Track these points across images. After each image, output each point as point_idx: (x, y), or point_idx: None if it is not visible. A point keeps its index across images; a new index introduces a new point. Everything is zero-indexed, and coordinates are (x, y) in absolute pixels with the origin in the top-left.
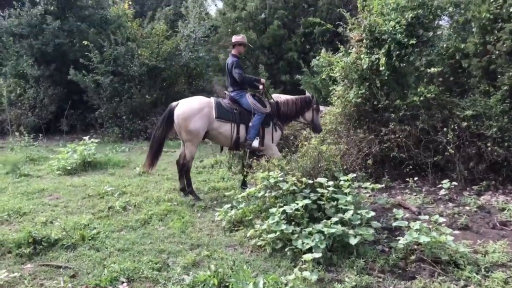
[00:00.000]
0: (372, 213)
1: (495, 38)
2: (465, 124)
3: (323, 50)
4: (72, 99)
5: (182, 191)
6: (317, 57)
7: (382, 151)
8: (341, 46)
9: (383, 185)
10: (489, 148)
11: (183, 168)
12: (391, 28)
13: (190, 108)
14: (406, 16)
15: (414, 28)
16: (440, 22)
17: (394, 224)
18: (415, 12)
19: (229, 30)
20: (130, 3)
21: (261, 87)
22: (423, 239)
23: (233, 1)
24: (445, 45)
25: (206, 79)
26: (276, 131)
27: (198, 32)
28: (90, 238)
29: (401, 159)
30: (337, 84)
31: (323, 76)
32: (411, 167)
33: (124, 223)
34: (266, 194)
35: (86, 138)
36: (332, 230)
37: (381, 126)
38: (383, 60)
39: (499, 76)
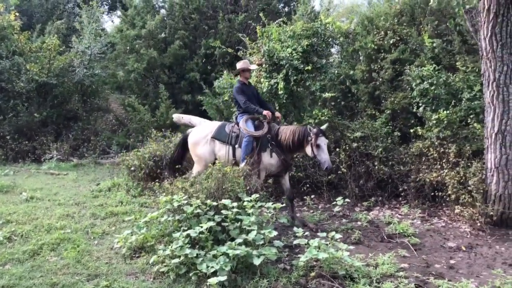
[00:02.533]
0: (275, 233)
1: (379, 66)
2: (355, 144)
3: (225, 72)
4: None
5: None
6: (219, 79)
7: None
8: None
9: (283, 204)
10: (376, 167)
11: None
12: (288, 55)
13: (198, 135)
14: (302, 44)
15: (309, 55)
16: (332, 50)
17: (295, 242)
18: (310, 40)
19: (128, 47)
20: (17, 14)
21: (264, 112)
22: (322, 255)
23: (131, 18)
24: (336, 72)
25: (102, 96)
26: (271, 157)
27: (93, 48)
28: None
29: (299, 178)
30: None
31: (225, 98)
32: (308, 185)
33: (9, 256)
34: (170, 218)
35: None
36: (237, 252)
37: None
38: (281, 84)
39: (383, 101)
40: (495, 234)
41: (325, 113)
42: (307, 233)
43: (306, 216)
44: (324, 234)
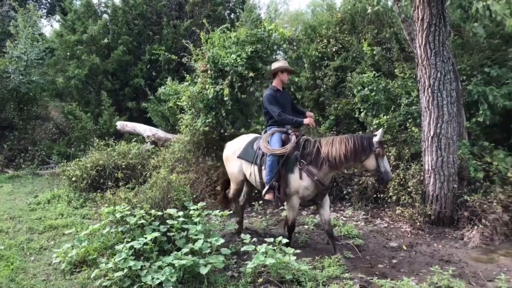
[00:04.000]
0: (222, 240)
1: (323, 73)
2: None
3: (169, 79)
4: None
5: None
6: (164, 86)
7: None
8: (188, 75)
9: (231, 211)
10: None
11: (229, 201)
12: (233, 61)
13: (229, 149)
14: (246, 50)
15: (254, 61)
16: (278, 57)
17: (243, 249)
18: (254, 47)
19: (68, 53)
20: None
21: (306, 121)
22: (269, 261)
23: (72, 23)
24: None
25: (40, 104)
26: (301, 179)
27: (30, 54)
28: None
29: None
30: (185, 112)
31: (171, 105)
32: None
33: None
34: (112, 230)
35: None
36: (183, 262)
37: None
38: (226, 90)
39: (327, 107)
40: (433, 232)
41: None
42: (254, 239)
43: (254, 222)
44: (271, 239)
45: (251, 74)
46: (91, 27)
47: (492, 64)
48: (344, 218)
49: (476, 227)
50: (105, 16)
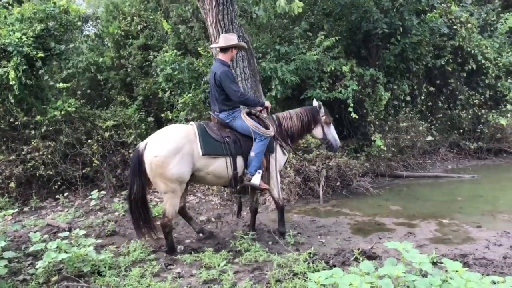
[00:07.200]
0: (3, 243)
1: (128, 52)
2: (107, 134)
3: None
4: None
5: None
6: None
7: (26, 171)
8: None
9: (16, 210)
10: (131, 155)
11: (165, 229)
12: (17, 40)
13: (164, 149)
14: (34, 28)
15: (45, 40)
16: (79, 36)
17: (31, 249)
18: (44, 24)
19: None
20: None
21: (267, 103)
22: (62, 256)
23: None
24: (84, 59)
25: None
26: (285, 154)
27: None
28: None
29: (49, 176)
30: None
31: None
32: (60, 183)
33: None
34: None
35: None
36: None
37: (23, 145)
38: (12, 74)
39: (135, 87)
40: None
41: (72, 104)
42: (46, 236)
43: (58, 217)
44: (67, 234)
45: (40, 54)
46: None
47: (283, 42)
48: (157, 199)
49: None
50: None
